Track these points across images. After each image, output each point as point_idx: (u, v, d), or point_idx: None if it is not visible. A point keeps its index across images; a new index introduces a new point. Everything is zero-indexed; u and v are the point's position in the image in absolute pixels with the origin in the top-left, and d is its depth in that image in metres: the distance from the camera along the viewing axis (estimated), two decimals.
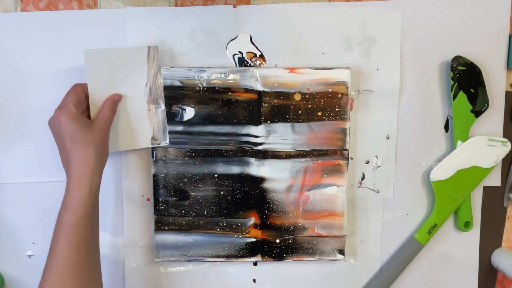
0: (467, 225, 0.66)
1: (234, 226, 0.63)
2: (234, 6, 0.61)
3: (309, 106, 0.61)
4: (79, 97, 0.55)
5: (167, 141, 0.61)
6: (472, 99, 0.63)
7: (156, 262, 0.63)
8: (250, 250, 0.63)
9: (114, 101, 0.57)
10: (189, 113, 0.61)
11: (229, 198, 0.63)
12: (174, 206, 0.62)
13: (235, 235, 0.63)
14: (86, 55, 0.56)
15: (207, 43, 0.62)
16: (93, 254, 0.52)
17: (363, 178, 0.65)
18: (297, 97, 0.61)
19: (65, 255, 0.49)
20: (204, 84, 0.61)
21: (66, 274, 0.48)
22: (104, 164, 0.54)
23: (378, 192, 0.65)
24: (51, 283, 0.48)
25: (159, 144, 0.61)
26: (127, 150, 0.61)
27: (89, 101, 0.57)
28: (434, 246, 0.67)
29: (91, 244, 0.52)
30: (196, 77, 0.60)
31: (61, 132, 0.52)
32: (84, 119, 0.54)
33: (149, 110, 0.60)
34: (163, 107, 0.60)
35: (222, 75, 0.61)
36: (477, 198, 0.67)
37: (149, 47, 0.58)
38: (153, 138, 0.60)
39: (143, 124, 0.60)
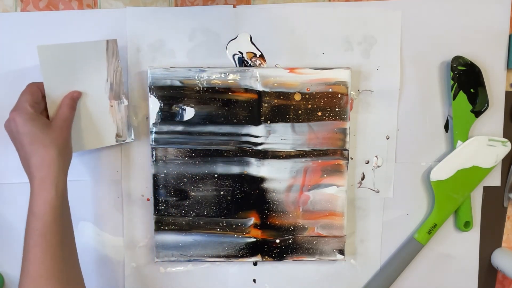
0: (467, 225, 0.66)
1: (234, 226, 0.63)
2: (234, 6, 0.61)
3: (309, 106, 0.61)
4: (35, 96, 0.52)
5: (133, 137, 0.60)
6: (472, 99, 0.63)
7: (156, 262, 0.63)
8: (250, 250, 0.63)
9: (73, 99, 0.55)
10: (189, 113, 0.61)
11: (229, 198, 0.63)
12: (174, 206, 0.62)
13: (235, 235, 0.63)
14: (40, 51, 0.53)
15: (207, 43, 0.62)
16: (69, 258, 0.50)
17: (363, 178, 0.65)
18: (297, 97, 0.61)
19: (38, 262, 0.47)
20: (204, 84, 0.61)
21: (41, 281, 0.47)
22: (68, 164, 0.52)
23: (378, 192, 0.65)
24: None
25: (123, 141, 0.60)
26: (92, 149, 0.59)
27: (46, 100, 0.54)
28: (434, 246, 0.67)
29: (65, 248, 0.50)
30: (196, 77, 0.60)
31: (18, 134, 0.50)
32: (43, 118, 0.51)
33: (112, 106, 0.58)
34: (126, 102, 0.59)
35: (222, 75, 0.61)
36: (477, 198, 0.67)
37: (107, 41, 0.56)
38: (117, 135, 0.59)
39: (106, 121, 0.58)
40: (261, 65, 0.62)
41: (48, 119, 0.54)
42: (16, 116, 0.50)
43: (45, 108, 0.55)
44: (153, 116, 0.60)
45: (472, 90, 0.63)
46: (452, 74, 0.62)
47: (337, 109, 0.62)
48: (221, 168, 0.62)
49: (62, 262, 0.49)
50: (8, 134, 0.52)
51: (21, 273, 0.48)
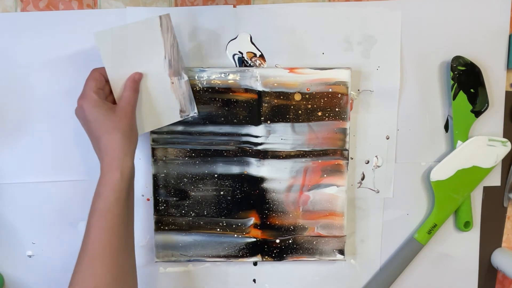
0: (467, 225, 0.66)
1: (234, 226, 0.63)
2: (234, 6, 0.61)
3: (309, 106, 0.61)
4: (99, 82, 0.54)
5: (196, 111, 0.60)
6: (472, 99, 0.63)
7: (156, 262, 0.63)
8: (250, 250, 0.63)
9: (135, 81, 0.55)
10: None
11: (229, 198, 0.63)
12: (174, 206, 0.62)
13: (235, 235, 0.63)
14: (97, 37, 0.53)
15: (207, 43, 0.62)
16: (125, 240, 0.52)
17: (363, 178, 0.65)
18: (297, 97, 0.61)
19: (96, 240, 0.49)
20: (204, 84, 0.61)
21: (97, 259, 0.48)
22: (134, 147, 0.53)
23: (378, 192, 0.65)
24: (82, 268, 0.48)
25: (188, 115, 0.59)
26: (157, 128, 0.59)
27: (110, 84, 0.55)
28: (434, 246, 0.67)
29: (124, 230, 0.51)
30: (196, 77, 0.60)
31: (86, 120, 0.52)
32: (107, 104, 0.53)
33: (173, 83, 0.58)
34: (186, 77, 0.58)
35: (222, 75, 0.61)
36: (477, 198, 0.67)
37: (160, 17, 0.56)
38: (181, 111, 0.59)
39: (169, 98, 0.58)
40: (261, 65, 0.62)
41: (114, 103, 0.55)
42: (83, 104, 0.52)
43: (111, 92, 0.56)
44: None
45: (472, 90, 0.63)
46: (452, 74, 0.62)
47: (337, 109, 0.62)
48: (221, 168, 0.62)
49: (118, 244, 0.50)
50: (79, 121, 0.54)
51: (80, 251, 0.49)
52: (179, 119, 0.59)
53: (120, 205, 0.50)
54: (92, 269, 0.48)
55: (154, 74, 0.57)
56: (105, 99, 0.54)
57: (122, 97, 0.54)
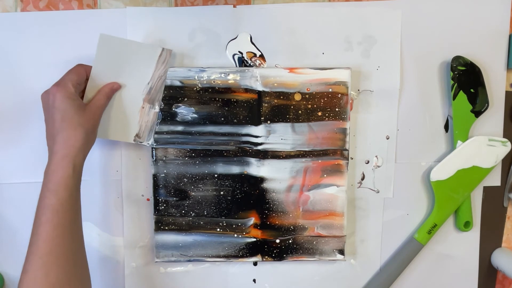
0: (467, 225, 0.66)
1: (234, 226, 0.63)
2: (234, 6, 0.61)
3: (309, 106, 0.61)
4: (80, 77, 0.54)
5: (150, 142, 0.61)
6: (472, 99, 0.63)
7: (156, 262, 0.63)
8: (250, 250, 0.63)
9: (112, 89, 0.57)
10: (189, 113, 0.61)
11: (229, 198, 0.63)
12: (174, 206, 0.62)
13: (235, 235, 0.63)
14: (101, 39, 0.56)
15: (207, 43, 0.62)
16: (77, 237, 0.51)
17: (363, 178, 0.65)
18: (297, 97, 0.61)
19: (48, 238, 0.48)
20: (204, 84, 0.61)
21: (50, 257, 0.47)
22: (90, 148, 0.54)
23: (378, 192, 0.65)
24: (34, 267, 0.47)
25: (141, 142, 0.60)
26: (113, 140, 0.60)
27: (88, 83, 0.56)
28: (434, 246, 0.67)
29: (75, 227, 0.51)
30: (196, 77, 0.60)
31: (53, 108, 0.51)
32: (79, 100, 0.53)
33: (143, 108, 0.59)
34: (157, 109, 0.60)
35: (222, 75, 0.61)
36: (477, 198, 0.67)
37: (163, 49, 0.58)
38: (137, 135, 0.60)
39: (133, 119, 0.59)
40: (261, 65, 0.62)
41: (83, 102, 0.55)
42: (57, 92, 0.52)
43: (83, 91, 0.57)
44: None
45: (472, 90, 0.63)
46: (452, 74, 0.62)
47: (337, 109, 0.62)
48: (221, 168, 0.62)
49: (71, 241, 0.49)
50: (42, 105, 0.54)
51: (28, 250, 0.48)
52: (131, 141, 0.60)
53: (71, 202, 0.50)
54: (44, 268, 0.47)
55: (131, 91, 0.59)
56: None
57: (94, 99, 0.55)
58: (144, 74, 0.59)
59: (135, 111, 0.59)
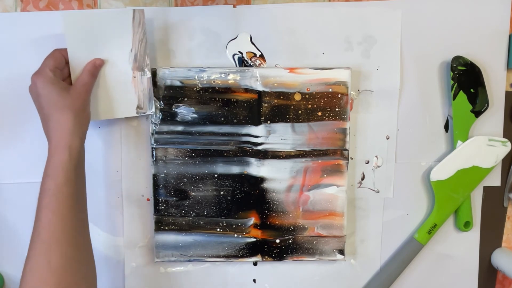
0: (467, 225, 0.66)
1: (234, 226, 0.63)
2: (234, 6, 0.61)
3: (309, 106, 0.61)
4: (58, 62, 0.54)
5: (153, 110, 0.59)
6: (472, 99, 0.63)
7: (156, 262, 0.63)
8: (250, 250, 0.63)
9: (95, 66, 0.55)
10: (189, 113, 0.61)
11: (229, 198, 0.63)
12: (174, 206, 0.62)
13: (235, 235, 0.63)
14: (64, 18, 0.54)
15: (207, 43, 0.62)
16: (79, 223, 0.51)
17: (363, 178, 0.65)
18: (297, 97, 0.61)
19: (49, 223, 0.48)
20: (204, 84, 0.61)
21: (51, 242, 0.47)
22: (84, 129, 0.53)
23: (378, 192, 0.65)
24: (36, 252, 0.47)
25: (144, 113, 0.59)
26: (110, 119, 0.59)
27: (70, 66, 0.55)
28: (434, 246, 0.67)
29: (76, 212, 0.50)
30: (196, 77, 0.60)
31: (38, 97, 0.51)
32: (62, 83, 0.52)
33: (134, 77, 0.58)
34: (149, 74, 0.58)
35: (222, 75, 0.61)
36: (477, 198, 0.67)
37: (134, 10, 0.56)
38: (138, 107, 0.59)
39: (128, 91, 0.58)
40: (261, 65, 0.62)
41: (70, 85, 0.55)
42: (36, 80, 0.51)
43: (69, 75, 0.56)
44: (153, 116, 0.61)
45: (472, 90, 0.63)
46: (452, 74, 0.62)
47: (337, 109, 0.62)
48: (221, 168, 0.62)
49: (72, 226, 0.49)
50: (32, 98, 0.54)
51: (32, 236, 0.48)
52: (134, 114, 0.59)
53: (70, 186, 0.49)
54: (46, 254, 0.47)
55: (117, 64, 0.57)
56: (62, 81, 0.54)
57: (78, 79, 0.54)
58: (124, 42, 0.56)
59: (127, 82, 0.57)
